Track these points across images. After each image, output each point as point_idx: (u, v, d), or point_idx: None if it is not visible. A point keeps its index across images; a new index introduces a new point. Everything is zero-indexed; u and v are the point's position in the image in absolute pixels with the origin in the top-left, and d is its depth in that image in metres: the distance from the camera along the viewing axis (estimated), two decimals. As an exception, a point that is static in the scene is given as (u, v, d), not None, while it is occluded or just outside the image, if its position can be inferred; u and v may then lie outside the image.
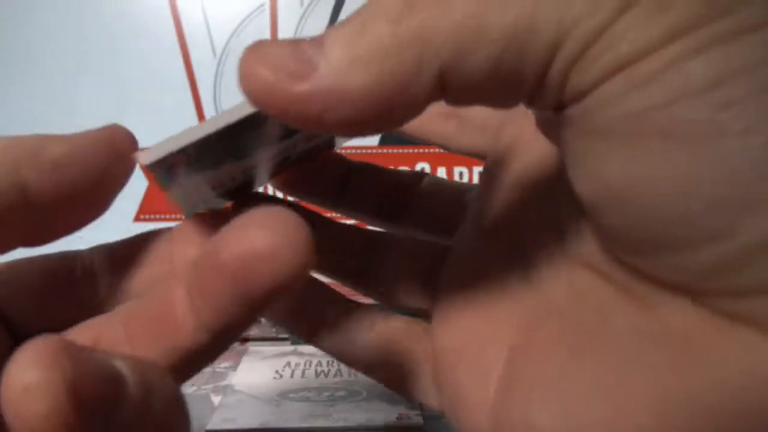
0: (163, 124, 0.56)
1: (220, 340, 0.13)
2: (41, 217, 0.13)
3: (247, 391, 0.39)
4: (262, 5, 0.56)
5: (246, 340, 0.46)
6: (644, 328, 0.12)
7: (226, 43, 0.56)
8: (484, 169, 0.18)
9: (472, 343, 0.15)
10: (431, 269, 0.18)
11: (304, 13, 0.56)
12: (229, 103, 0.56)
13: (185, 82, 0.56)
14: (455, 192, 0.20)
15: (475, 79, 0.11)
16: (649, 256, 0.11)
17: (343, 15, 0.56)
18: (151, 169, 0.13)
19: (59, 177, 0.13)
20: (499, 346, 0.14)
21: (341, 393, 0.38)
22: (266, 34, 0.56)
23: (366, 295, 0.19)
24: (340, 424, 0.34)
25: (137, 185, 0.55)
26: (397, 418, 0.35)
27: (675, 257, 0.10)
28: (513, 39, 0.10)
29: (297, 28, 0.56)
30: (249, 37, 0.56)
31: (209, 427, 0.34)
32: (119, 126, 0.16)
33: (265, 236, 0.11)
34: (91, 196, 0.14)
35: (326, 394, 0.38)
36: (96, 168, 0.14)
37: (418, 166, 0.58)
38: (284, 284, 0.11)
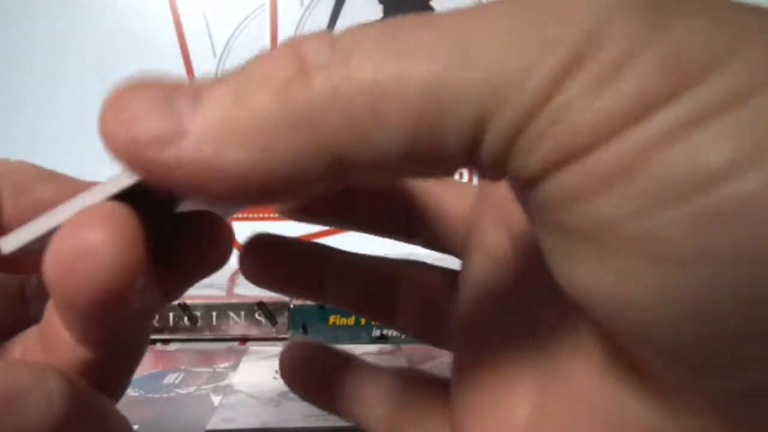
0: (163, 124, 0.56)
1: (108, 353, 0.12)
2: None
3: (247, 391, 0.38)
4: (262, 5, 0.56)
5: (246, 340, 0.46)
6: (652, 421, 0.10)
7: (226, 43, 0.56)
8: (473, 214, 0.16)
9: (492, 404, 0.13)
10: (441, 303, 0.17)
11: (304, 13, 0.56)
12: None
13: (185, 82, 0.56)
14: (442, 281, 0.17)
15: (381, 160, 0.09)
16: (642, 356, 0.09)
17: (343, 15, 0.56)
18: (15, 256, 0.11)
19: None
20: (520, 408, 0.13)
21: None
22: (266, 34, 0.56)
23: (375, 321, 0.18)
24: (340, 424, 0.34)
25: (137, 185, 0.55)
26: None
27: (669, 368, 0.09)
28: (421, 117, 0.08)
29: (297, 28, 0.56)
30: (249, 37, 0.56)
31: (209, 427, 0.34)
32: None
33: (79, 236, 0.09)
34: None
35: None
36: None
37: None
38: (108, 286, 0.09)
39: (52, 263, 0.10)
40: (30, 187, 0.13)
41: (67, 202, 0.11)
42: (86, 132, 0.60)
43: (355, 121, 0.08)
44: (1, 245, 0.11)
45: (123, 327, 0.12)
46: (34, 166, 0.14)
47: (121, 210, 0.10)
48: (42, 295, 0.15)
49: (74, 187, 0.14)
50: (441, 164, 0.09)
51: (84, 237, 0.09)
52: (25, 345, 0.13)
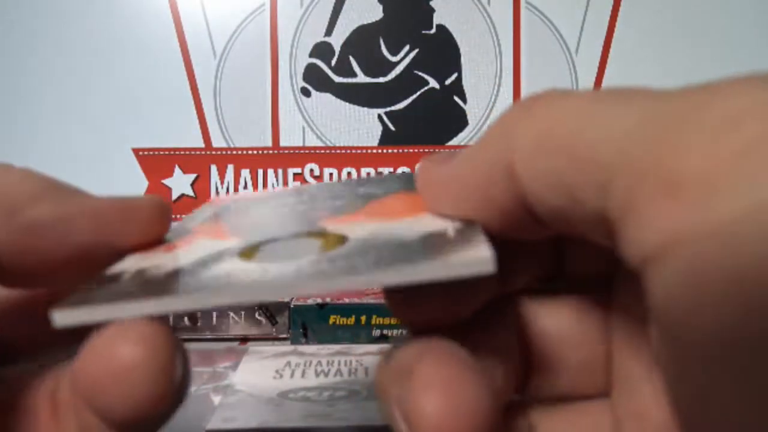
0: (162, 124, 0.56)
1: None
2: (5, 278, 0.12)
3: (247, 391, 0.38)
4: (262, 5, 0.56)
5: (246, 340, 0.46)
6: None
7: (226, 44, 0.56)
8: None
9: None
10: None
11: (304, 13, 0.56)
12: (228, 103, 0.56)
13: (185, 82, 0.56)
14: None
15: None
16: None
17: (343, 15, 0.56)
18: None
19: (33, 243, 0.12)
20: None
21: (341, 393, 0.38)
22: (266, 34, 0.56)
23: None
24: (340, 424, 0.34)
25: (138, 185, 0.55)
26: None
27: None
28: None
29: (297, 28, 0.56)
30: (249, 37, 0.56)
31: (209, 426, 0.34)
32: (133, 202, 0.14)
33: (120, 352, 0.09)
34: (65, 268, 0.13)
35: (326, 394, 0.38)
36: (77, 244, 0.13)
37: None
38: (148, 401, 0.09)
39: (85, 374, 0.10)
40: (24, 208, 0.12)
41: (130, 299, 0.11)
42: (87, 131, 0.60)
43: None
44: (55, 317, 0.11)
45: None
46: (35, 179, 0.13)
47: (163, 331, 0.10)
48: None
49: (74, 203, 0.13)
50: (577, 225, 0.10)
51: (118, 355, 0.09)
52: (57, 383, 0.12)
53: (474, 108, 0.57)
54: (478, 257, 0.11)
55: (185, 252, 0.14)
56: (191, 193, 0.56)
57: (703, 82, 0.09)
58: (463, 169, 0.12)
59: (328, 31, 0.56)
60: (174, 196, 0.57)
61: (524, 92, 0.57)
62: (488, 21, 0.57)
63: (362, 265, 0.11)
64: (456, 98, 0.57)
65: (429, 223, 0.13)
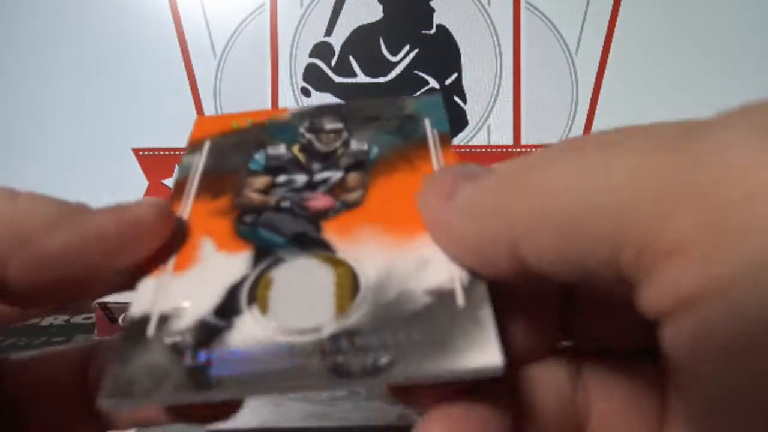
0: (163, 124, 0.56)
1: None
2: (12, 301, 0.13)
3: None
4: (262, 5, 0.56)
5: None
6: None
7: (226, 43, 0.56)
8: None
9: None
10: None
11: (304, 13, 0.56)
12: (228, 103, 0.56)
13: (185, 82, 0.56)
14: None
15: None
16: None
17: (343, 15, 0.56)
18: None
19: (44, 271, 0.12)
20: None
21: (341, 393, 0.38)
22: (266, 34, 0.56)
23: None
24: (340, 424, 0.34)
25: (138, 185, 0.55)
26: (397, 418, 0.35)
27: None
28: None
29: (297, 28, 0.56)
30: (249, 37, 0.56)
31: (209, 426, 0.34)
32: (137, 217, 0.14)
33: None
34: (75, 292, 0.13)
35: (326, 394, 0.38)
36: (86, 267, 0.13)
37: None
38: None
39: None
40: (36, 238, 0.12)
41: (170, 391, 0.12)
42: (87, 131, 0.60)
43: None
44: (103, 405, 0.12)
45: None
46: (42, 205, 0.13)
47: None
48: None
49: (83, 227, 0.13)
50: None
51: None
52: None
53: (474, 108, 0.57)
54: (487, 365, 0.11)
55: (199, 280, 0.15)
56: (191, 193, 0.56)
57: (692, 120, 0.09)
58: (465, 229, 0.12)
59: (328, 31, 0.56)
60: (174, 196, 0.57)
61: (524, 92, 0.57)
62: (488, 21, 0.57)
63: (379, 359, 0.12)
64: (456, 98, 0.57)
65: (436, 270, 0.14)
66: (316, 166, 0.18)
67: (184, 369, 0.13)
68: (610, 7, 0.57)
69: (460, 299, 0.13)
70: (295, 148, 0.18)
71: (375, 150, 0.18)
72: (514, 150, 0.58)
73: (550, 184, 0.10)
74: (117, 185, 0.55)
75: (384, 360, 0.12)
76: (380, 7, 0.56)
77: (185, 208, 0.17)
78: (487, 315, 0.12)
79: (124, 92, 0.56)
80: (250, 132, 0.19)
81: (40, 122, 0.56)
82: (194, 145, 0.19)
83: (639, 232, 0.09)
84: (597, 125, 0.58)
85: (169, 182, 0.56)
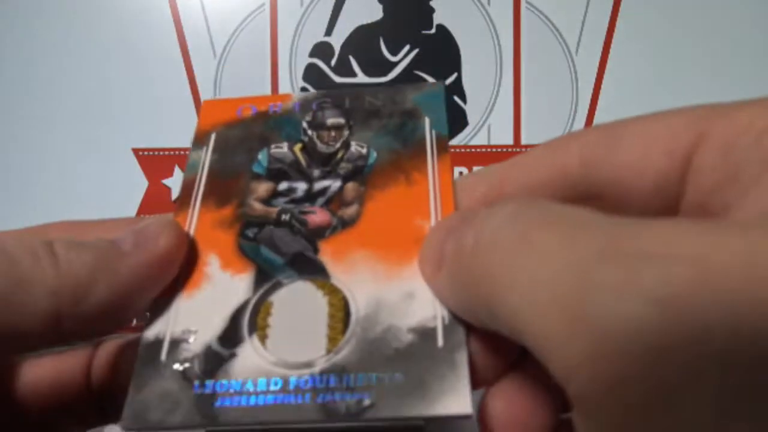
0: (162, 124, 0.56)
1: None
2: (58, 342, 0.14)
3: (247, 391, 0.38)
4: (262, 5, 0.56)
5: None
6: None
7: (226, 43, 0.56)
8: None
9: None
10: None
11: (304, 13, 0.56)
12: (229, 103, 0.56)
13: (185, 82, 0.56)
14: None
15: None
16: None
17: (343, 15, 0.56)
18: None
19: (97, 322, 0.14)
20: None
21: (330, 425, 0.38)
22: (266, 34, 0.56)
23: None
24: (340, 424, 0.34)
25: (138, 185, 0.55)
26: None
27: None
28: None
29: (297, 28, 0.56)
30: (249, 37, 0.56)
31: (209, 426, 0.34)
32: (166, 249, 0.15)
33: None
34: (112, 329, 0.15)
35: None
36: (125, 311, 0.15)
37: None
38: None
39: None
40: (85, 296, 0.14)
41: (182, 421, 0.14)
42: (87, 131, 0.60)
43: None
44: (122, 425, 0.14)
45: None
46: (86, 255, 0.14)
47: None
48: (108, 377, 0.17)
49: (123, 276, 0.14)
50: None
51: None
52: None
53: (474, 108, 0.57)
54: (458, 412, 0.13)
55: (207, 303, 0.16)
56: (191, 193, 0.56)
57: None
58: (450, 301, 0.14)
59: (328, 31, 0.56)
60: (174, 196, 0.57)
61: (524, 92, 0.57)
62: (488, 21, 0.57)
63: (363, 401, 0.14)
64: (456, 98, 0.57)
65: (421, 305, 0.15)
66: (316, 172, 0.18)
67: (192, 398, 0.14)
68: (610, 7, 0.57)
69: (440, 339, 0.14)
70: (297, 148, 0.19)
71: (373, 155, 0.18)
72: (514, 150, 0.58)
73: (479, 271, 0.12)
74: (117, 185, 0.55)
75: (367, 401, 0.14)
76: (380, 7, 0.56)
77: (192, 217, 0.17)
78: (462, 359, 0.14)
79: (124, 92, 0.56)
80: (254, 123, 0.19)
81: (40, 122, 0.56)
82: (201, 138, 0.19)
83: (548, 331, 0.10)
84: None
85: (169, 182, 0.56)
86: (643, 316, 0.09)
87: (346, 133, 0.19)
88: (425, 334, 0.14)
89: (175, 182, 0.56)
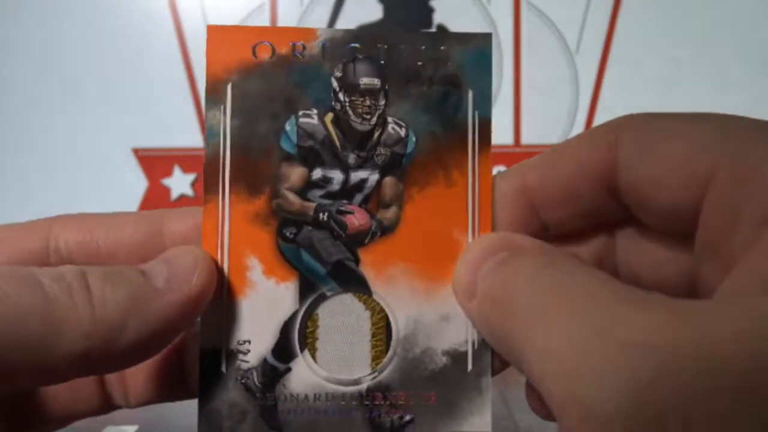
0: (163, 124, 0.56)
1: None
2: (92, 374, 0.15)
3: (247, 391, 0.38)
4: (262, 5, 0.56)
5: (246, 340, 0.46)
6: None
7: (226, 43, 0.56)
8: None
9: None
10: None
11: (304, 13, 0.56)
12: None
13: (185, 82, 0.56)
14: None
15: None
16: None
17: (343, 15, 0.56)
18: None
19: (125, 358, 0.14)
20: None
21: None
22: (266, 34, 0.56)
23: None
24: (340, 424, 0.34)
25: (138, 185, 0.55)
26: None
27: None
28: None
29: (297, 28, 0.56)
30: (249, 37, 0.56)
31: None
32: (201, 288, 0.15)
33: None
34: (143, 358, 0.15)
35: None
36: (156, 346, 0.15)
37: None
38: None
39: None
40: (117, 337, 0.14)
41: None
42: (87, 131, 0.60)
43: None
44: None
45: None
46: (120, 292, 0.14)
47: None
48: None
49: (155, 318, 0.15)
50: None
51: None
52: None
53: (474, 108, 0.57)
54: (480, 429, 0.16)
55: (255, 313, 0.16)
56: (191, 193, 0.56)
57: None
58: (481, 329, 0.15)
59: (328, 31, 0.56)
60: (174, 196, 0.57)
61: (524, 92, 0.57)
62: (488, 21, 0.57)
63: (404, 417, 0.16)
64: (456, 98, 0.57)
65: (455, 328, 0.16)
66: (351, 157, 0.16)
67: (258, 409, 0.16)
68: (610, 7, 0.57)
69: (470, 364, 0.16)
70: (329, 119, 0.16)
71: (412, 141, 0.16)
72: (514, 150, 0.58)
73: (498, 315, 0.14)
74: (117, 185, 0.55)
75: (407, 417, 0.16)
76: (380, 7, 0.56)
77: (224, 207, 0.16)
78: (487, 384, 0.16)
79: (124, 92, 0.56)
80: (276, 74, 0.16)
81: (39, 122, 0.56)
82: (215, 89, 0.16)
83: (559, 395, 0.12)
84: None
85: (169, 182, 0.56)
86: (617, 403, 0.10)
87: (382, 103, 0.16)
88: (457, 358, 0.16)
89: (174, 182, 0.56)
